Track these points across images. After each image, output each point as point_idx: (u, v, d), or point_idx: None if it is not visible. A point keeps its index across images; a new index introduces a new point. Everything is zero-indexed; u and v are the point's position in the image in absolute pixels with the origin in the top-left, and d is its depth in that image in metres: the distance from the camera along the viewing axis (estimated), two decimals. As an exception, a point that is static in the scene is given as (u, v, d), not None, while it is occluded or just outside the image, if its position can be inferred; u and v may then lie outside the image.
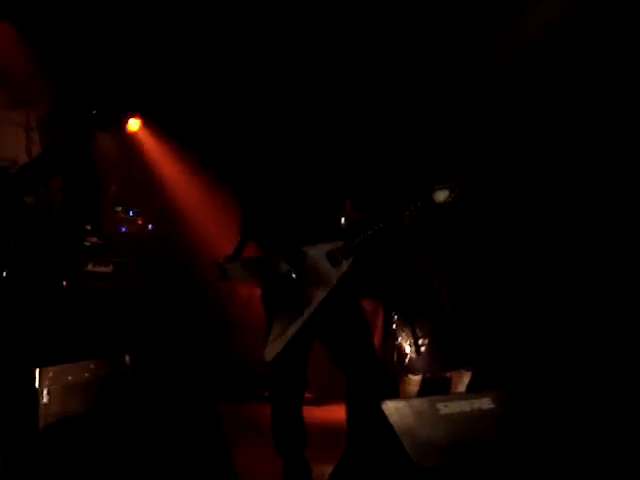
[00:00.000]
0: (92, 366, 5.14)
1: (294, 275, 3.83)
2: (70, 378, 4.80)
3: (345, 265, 3.88)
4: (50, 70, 6.35)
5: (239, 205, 4.10)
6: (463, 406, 2.99)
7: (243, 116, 6.47)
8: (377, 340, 4.60)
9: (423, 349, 4.89)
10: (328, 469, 3.67)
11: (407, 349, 4.83)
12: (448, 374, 5.19)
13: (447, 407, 2.93)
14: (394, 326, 4.79)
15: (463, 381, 5.15)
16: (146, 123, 7.53)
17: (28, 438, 2.73)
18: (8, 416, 2.75)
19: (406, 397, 4.84)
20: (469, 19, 6.01)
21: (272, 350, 3.74)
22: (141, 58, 6.77)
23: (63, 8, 6.19)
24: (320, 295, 3.81)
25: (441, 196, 4.00)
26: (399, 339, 4.85)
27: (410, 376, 4.94)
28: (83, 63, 6.52)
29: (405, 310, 4.69)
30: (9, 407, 2.73)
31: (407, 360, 4.85)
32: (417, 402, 2.97)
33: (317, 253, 3.85)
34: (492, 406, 3.05)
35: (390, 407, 2.82)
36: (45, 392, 4.41)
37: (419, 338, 4.87)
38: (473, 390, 4.94)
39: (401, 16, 6.11)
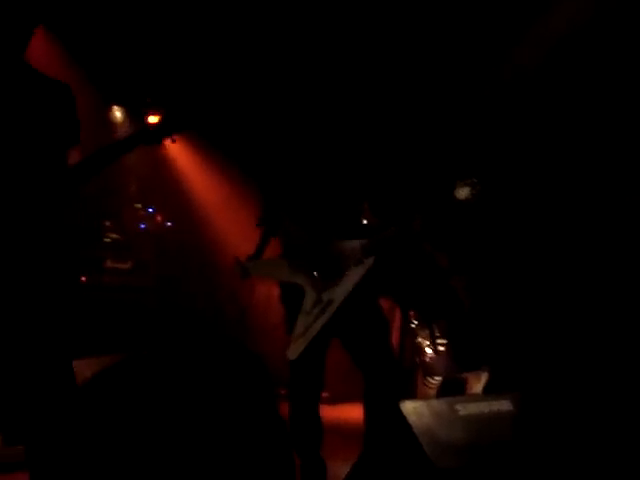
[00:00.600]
0: (110, 361, 5.18)
1: (316, 273, 3.84)
2: (89, 373, 4.84)
3: (367, 264, 3.90)
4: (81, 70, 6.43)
5: (262, 205, 4.11)
6: (482, 407, 2.98)
7: (268, 117, 6.49)
8: (394, 340, 4.59)
9: (442, 349, 4.90)
10: (344, 468, 3.67)
11: (426, 349, 4.83)
12: (465, 375, 5.19)
13: (466, 408, 2.92)
14: (413, 325, 4.79)
15: (480, 382, 5.14)
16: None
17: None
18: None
19: (424, 398, 4.86)
20: (490, 16, 5.96)
21: (296, 349, 3.75)
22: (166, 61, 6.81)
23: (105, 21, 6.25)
24: (342, 294, 3.83)
25: (463, 193, 4.06)
26: (418, 339, 4.85)
27: (429, 378, 4.94)
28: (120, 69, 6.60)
29: (424, 310, 4.69)
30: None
31: (428, 360, 4.86)
32: (436, 403, 2.97)
33: (339, 252, 3.87)
34: (511, 408, 3.04)
35: (409, 407, 2.82)
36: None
37: (437, 338, 4.87)
38: (489, 392, 4.94)
39: (420, 16, 6.09)
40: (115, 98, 7.53)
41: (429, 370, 4.91)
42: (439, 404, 2.93)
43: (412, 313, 4.78)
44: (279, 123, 5.13)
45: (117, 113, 7.81)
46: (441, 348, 4.88)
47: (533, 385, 5.17)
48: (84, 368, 4.83)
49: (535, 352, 5.79)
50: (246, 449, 1.00)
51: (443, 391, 5.03)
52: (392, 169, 4.37)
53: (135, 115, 7.69)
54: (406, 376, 4.68)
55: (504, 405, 3.04)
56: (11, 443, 2.85)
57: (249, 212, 5.15)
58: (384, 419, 3.44)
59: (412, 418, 2.77)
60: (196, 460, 0.97)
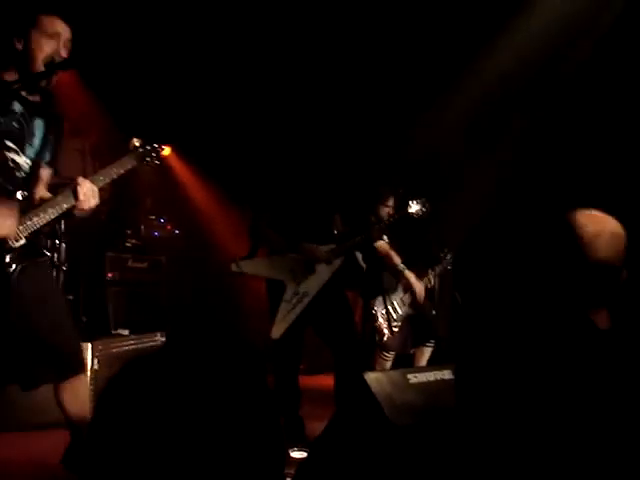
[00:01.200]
0: (132, 340, 5.14)
1: (296, 271, 3.86)
2: (114, 350, 4.79)
3: (336, 264, 3.93)
4: (101, 104, 6.33)
5: (251, 216, 4.08)
6: (429, 377, 2.98)
7: (256, 141, 6.44)
8: (358, 323, 4.58)
9: (396, 330, 4.89)
10: (319, 425, 3.66)
11: (384, 330, 4.83)
12: (412, 350, 5.19)
13: (416, 377, 2.92)
14: (374, 311, 4.78)
15: (424, 356, 5.15)
16: (175, 149, 7.52)
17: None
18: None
19: (382, 369, 4.86)
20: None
21: (278, 330, 3.75)
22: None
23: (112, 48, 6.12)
24: (316, 287, 3.84)
25: (414, 208, 4.18)
26: (377, 322, 4.84)
27: (385, 353, 4.94)
28: (129, 98, 6.47)
29: (382, 298, 4.69)
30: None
31: (385, 339, 4.85)
32: (392, 373, 2.98)
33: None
34: (452, 377, 3.05)
35: (371, 377, 2.81)
36: (96, 360, 4.42)
37: (393, 321, 4.87)
38: (433, 363, 4.96)
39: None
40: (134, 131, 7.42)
41: (385, 347, 4.91)
42: (395, 374, 2.92)
43: (372, 302, 4.77)
44: (263, 145, 5.11)
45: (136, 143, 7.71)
46: (395, 329, 4.87)
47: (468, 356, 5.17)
48: (111, 345, 4.79)
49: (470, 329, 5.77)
50: (241, 415, 0.98)
51: (397, 364, 5.03)
52: (359, 187, 4.37)
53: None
54: (367, 352, 4.66)
55: (447, 374, 3.05)
56: (28, 388, 2.72)
57: (242, 220, 5.12)
58: (351, 387, 3.44)
59: (374, 386, 2.76)
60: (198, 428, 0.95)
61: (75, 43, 2.78)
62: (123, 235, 6.12)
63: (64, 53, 2.68)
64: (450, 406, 2.86)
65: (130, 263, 5.93)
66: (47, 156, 2.79)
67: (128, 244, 6.11)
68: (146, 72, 6.39)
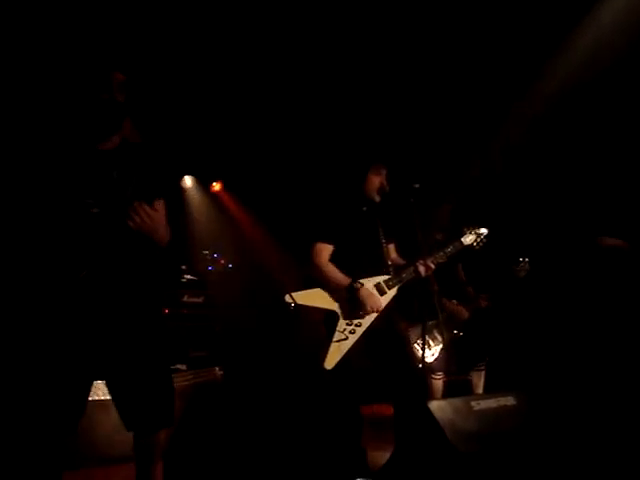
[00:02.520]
0: (190, 375, 5.21)
1: (348, 302, 3.87)
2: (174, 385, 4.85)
3: (390, 295, 3.91)
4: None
5: (305, 250, 4.08)
6: (491, 403, 2.97)
7: (306, 175, 6.52)
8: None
9: (435, 356, 4.88)
10: (379, 455, 3.66)
11: (426, 354, 4.83)
12: (469, 376, 5.13)
13: (479, 404, 2.91)
14: (413, 335, 4.77)
15: (481, 380, 5.08)
16: (225, 186, 7.69)
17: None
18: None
19: (433, 390, 4.87)
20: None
21: (331, 361, 3.74)
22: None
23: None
24: (370, 317, 3.84)
25: (468, 239, 4.09)
26: (413, 345, 4.82)
27: (432, 375, 4.93)
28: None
29: (422, 323, 4.67)
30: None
31: (428, 362, 4.85)
32: (455, 401, 2.97)
33: (369, 285, 3.88)
34: (514, 402, 3.03)
35: (434, 405, 2.82)
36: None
37: (432, 347, 4.86)
38: (489, 387, 4.91)
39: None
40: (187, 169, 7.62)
41: (431, 368, 4.89)
42: (458, 401, 2.92)
43: (408, 328, 4.74)
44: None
45: (187, 181, 7.93)
46: (433, 356, 4.86)
47: (529, 381, 5.10)
48: (175, 379, 4.86)
49: (530, 351, 5.67)
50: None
51: (451, 390, 4.98)
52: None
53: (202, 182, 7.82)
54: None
55: (509, 400, 3.03)
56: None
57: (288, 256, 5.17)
58: (413, 415, 3.42)
59: (438, 414, 2.76)
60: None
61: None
62: (178, 271, 6.22)
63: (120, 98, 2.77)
64: (513, 432, 2.84)
65: (186, 298, 6.03)
66: None
67: (183, 279, 6.20)
68: (188, 109, 6.57)
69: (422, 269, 3.89)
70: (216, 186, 7.75)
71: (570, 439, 2.92)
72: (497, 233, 4.29)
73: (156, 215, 2.72)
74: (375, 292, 3.88)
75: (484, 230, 4.18)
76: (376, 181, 4.01)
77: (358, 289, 3.78)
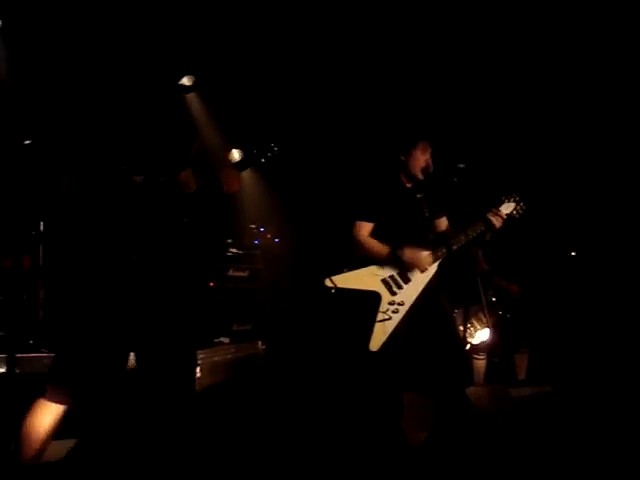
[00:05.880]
0: (233, 348, 5.25)
1: (392, 281, 3.83)
2: (216, 358, 4.91)
3: (431, 271, 3.86)
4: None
5: (353, 226, 4.04)
6: (528, 391, 2.93)
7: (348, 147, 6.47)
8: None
9: (483, 337, 4.83)
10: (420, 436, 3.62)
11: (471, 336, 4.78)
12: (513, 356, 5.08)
13: (517, 392, 2.87)
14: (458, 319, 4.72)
15: (524, 362, 5.02)
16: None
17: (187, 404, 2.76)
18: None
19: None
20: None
21: (376, 342, 3.72)
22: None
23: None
24: (413, 296, 3.80)
25: (507, 209, 3.96)
26: (466, 326, 4.76)
27: (475, 355, 4.88)
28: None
29: (469, 303, 4.59)
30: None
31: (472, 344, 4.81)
32: (494, 387, 2.93)
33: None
34: (551, 391, 2.97)
35: (472, 391, 2.78)
36: (198, 369, 4.54)
37: (479, 328, 4.81)
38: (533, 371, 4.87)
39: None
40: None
41: (476, 350, 4.84)
42: (496, 388, 2.87)
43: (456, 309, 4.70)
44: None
45: (235, 154, 7.90)
46: (478, 339, 4.81)
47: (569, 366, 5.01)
48: (213, 354, 4.92)
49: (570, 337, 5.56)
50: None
51: (493, 372, 4.96)
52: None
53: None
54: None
55: (546, 389, 2.97)
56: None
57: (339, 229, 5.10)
58: (453, 400, 3.37)
59: (475, 400, 2.72)
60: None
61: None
62: (224, 245, 6.24)
63: None
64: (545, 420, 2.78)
65: (231, 272, 6.06)
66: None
67: (229, 253, 6.23)
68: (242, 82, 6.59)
69: (494, 219, 3.81)
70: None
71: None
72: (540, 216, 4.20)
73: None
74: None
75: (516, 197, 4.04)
76: (421, 159, 3.92)
77: (402, 252, 3.74)
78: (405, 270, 3.82)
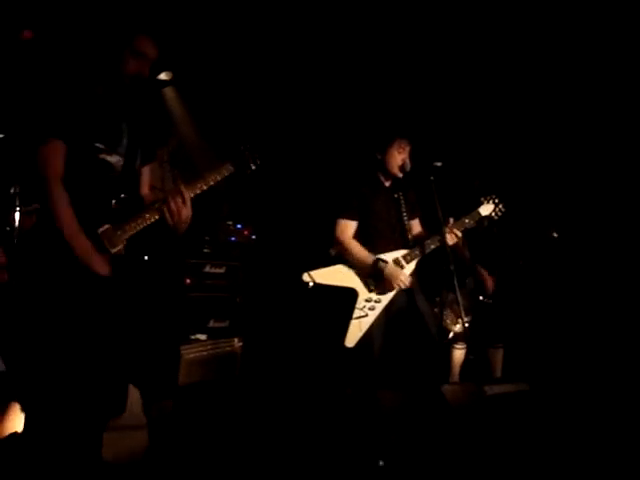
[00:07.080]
0: (209, 345, 5.24)
1: (368, 278, 3.86)
2: (192, 355, 4.90)
3: (409, 269, 3.90)
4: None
5: (335, 226, 4.04)
6: (504, 389, 2.96)
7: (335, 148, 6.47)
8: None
9: (467, 325, 4.87)
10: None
11: (453, 327, 4.81)
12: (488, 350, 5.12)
13: (492, 389, 2.89)
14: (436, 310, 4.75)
15: (498, 358, 5.06)
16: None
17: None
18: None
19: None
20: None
21: (351, 338, 3.75)
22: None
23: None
24: (390, 293, 3.84)
25: (486, 210, 4.03)
26: (446, 321, 4.81)
27: (455, 345, 4.92)
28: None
29: (451, 295, 4.63)
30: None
31: (453, 334, 4.85)
32: (469, 385, 2.95)
33: (387, 260, 3.88)
34: (528, 388, 3.00)
35: (447, 389, 2.80)
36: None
37: (459, 318, 4.84)
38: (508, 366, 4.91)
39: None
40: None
41: (454, 340, 4.89)
42: (471, 386, 2.89)
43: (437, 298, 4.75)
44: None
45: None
46: (466, 325, 4.84)
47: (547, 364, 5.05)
48: (190, 350, 4.90)
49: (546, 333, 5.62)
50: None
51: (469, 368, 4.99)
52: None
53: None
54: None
55: (522, 386, 3.00)
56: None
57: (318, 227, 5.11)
58: (427, 395, 3.40)
59: (450, 398, 2.74)
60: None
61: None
62: (201, 242, 6.21)
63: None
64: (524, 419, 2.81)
65: (208, 269, 6.04)
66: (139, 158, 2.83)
67: (206, 250, 6.20)
68: (226, 77, 6.55)
69: (449, 237, 3.87)
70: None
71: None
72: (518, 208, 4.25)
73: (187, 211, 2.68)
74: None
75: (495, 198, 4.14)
76: (398, 157, 3.95)
77: (384, 267, 3.78)
78: (383, 281, 3.85)
